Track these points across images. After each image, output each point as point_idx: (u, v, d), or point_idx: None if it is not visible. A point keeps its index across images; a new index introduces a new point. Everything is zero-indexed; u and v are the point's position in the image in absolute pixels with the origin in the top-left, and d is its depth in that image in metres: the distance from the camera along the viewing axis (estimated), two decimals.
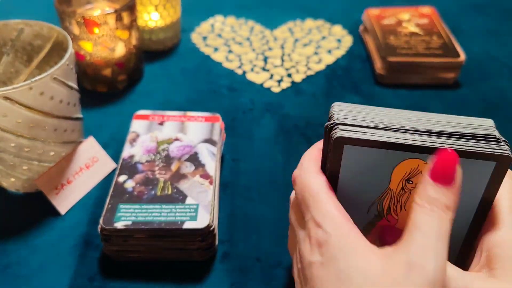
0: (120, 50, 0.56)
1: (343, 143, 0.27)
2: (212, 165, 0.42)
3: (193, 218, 0.37)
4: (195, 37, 0.71)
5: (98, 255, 0.40)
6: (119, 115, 0.55)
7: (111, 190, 0.39)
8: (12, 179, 0.43)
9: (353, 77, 0.63)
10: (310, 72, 0.64)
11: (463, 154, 0.26)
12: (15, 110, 0.36)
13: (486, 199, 0.27)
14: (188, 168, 0.42)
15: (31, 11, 0.77)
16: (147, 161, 0.42)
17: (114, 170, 0.48)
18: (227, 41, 0.71)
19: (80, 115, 0.45)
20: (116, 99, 0.58)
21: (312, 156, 0.30)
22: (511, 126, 0.54)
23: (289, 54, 0.67)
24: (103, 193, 0.45)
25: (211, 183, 0.41)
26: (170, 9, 0.64)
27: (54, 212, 0.43)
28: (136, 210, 0.38)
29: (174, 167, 0.42)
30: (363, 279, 0.23)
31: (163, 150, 0.44)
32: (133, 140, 0.45)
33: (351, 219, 0.26)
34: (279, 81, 0.62)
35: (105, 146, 0.49)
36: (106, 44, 0.54)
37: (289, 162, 0.49)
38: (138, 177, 0.41)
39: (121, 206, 0.38)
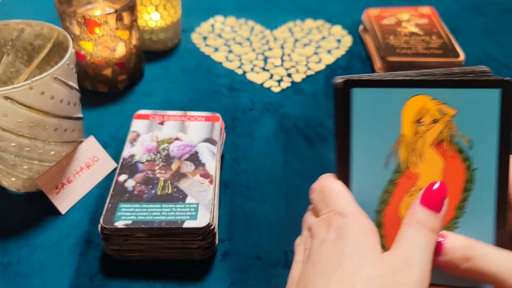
0: (120, 50, 0.56)
1: (351, 86, 0.27)
2: (212, 165, 0.42)
3: (193, 217, 0.37)
4: (196, 37, 0.72)
5: (98, 254, 0.40)
6: (120, 115, 0.56)
7: (112, 189, 0.40)
8: (13, 179, 0.43)
9: None
10: (310, 72, 0.64)
11: (465, 83, 0.26)
12: (15, 109, 0.37)
13: (504, 132, 0.27)
14: (188, 167, 0.42)
15: (31, 11, 0.77)
16: (147, 161, 0.43)
17: (114, 170, 0.48)
18: (227, 41, 0.71)
19: (80, 115, 0.45)
20: (117, 99, 0.58)
21: (329, 174, 0.32)
22: None
23: (289, 54, 0.68)
24: (104, 193, 0.45)
25: (211, 182, 0.41)
26: (170, 9, 0.64)
27: (55, 212, 0.43)
28: (136, 210, 0.38)
29: (174, 166, 0.42)
30: (358, 265, 0.26)
31: (164, 149, 0.44)
32: (134, 140, 0.45)
33: (368, 218, 0.28)
34: (279, 81, 0.62)
35: (105, 145, 0.49)
36: (107, 44, 0.54)
37: (289, 161, 0.49)
38: (139, 176, 0.41)
39: (122, 205, 0.38)
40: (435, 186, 0.28)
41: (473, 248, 0.27)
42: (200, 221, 0.37)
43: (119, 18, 0.53)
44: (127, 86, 0.60)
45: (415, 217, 0.27)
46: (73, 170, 0.45)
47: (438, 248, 0.27)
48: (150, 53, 0.67)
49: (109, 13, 0.52)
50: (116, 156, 0.49)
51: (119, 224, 0.36)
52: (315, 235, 0.29)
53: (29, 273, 0.38)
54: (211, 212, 0.38)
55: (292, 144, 0.52)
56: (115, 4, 0.59)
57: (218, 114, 0.48)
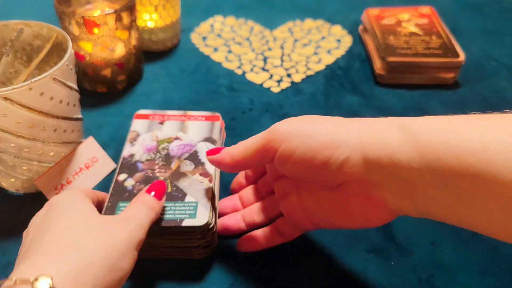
0: (119, 51, 0.56)
1: None
2: (211, 165, 0.42)
3: (192, 216, 0.37)
4: (195, 37, 0.72)
5: None
6: (119, 115, 0.55)
7: (111, 188, 0.39)
8: (12, 180, 0.43)
9: (352, 77, 0.63)
10: (309, 72, 0.64)
11: None
12: (14, 110, 0.36)
13: None
14: (188, 166, 0.42)
15: (30, 12, 0.77)
16: (147, 160, 0.43)
17: (114, 170, 0.48)
18: (226, 41, 0.71)
19: (80, 116, 0.45)
20: (116, 99, 0.58)
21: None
22: None
23: (288, 54, 0.68)
24: None
25: (210, 181, 0.41)
26: (169, 9, 0.64)
27: None
28: None
29: (174, 165, 0.42)
30: (67, 224, 0.30)
31: (163, 149, 0.44)
32: (133, 139, 0.45)
33: (84, 192, 0.35)
34: (279, 81, 0.62)
35: (105, 146, 0.49)
36: (106, 45, 0.54)
37: None
38: (138, 175, 0.41)
39: (121, 204, 0.38)
40: (158, 182, 0.36)
41: (237, 144, 0.37)
42: (199, 220, 0.37)
43: (118, 19, 0.53)
44: (126, 87, 0.60)
45: (140, 198, 0.35)
46: (72, 171, 0.45)
47: (217, 151, 0.37)
48: (149, 53, 0.67)
49: (108, 14, 0.52)
50: (115, 156, 0.49)
51: None
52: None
53: None
54: (210, 211, 0.38)
55: None
56: (114, 4, 0.59)
57: (218, 114, 0.48)
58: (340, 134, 0.30)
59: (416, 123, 0.28)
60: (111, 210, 0.37)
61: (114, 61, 0.56)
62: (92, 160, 0.46)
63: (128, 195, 0.39)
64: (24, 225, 0.42)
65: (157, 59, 0.66)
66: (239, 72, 0.64)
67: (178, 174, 0.41)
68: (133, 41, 0.57)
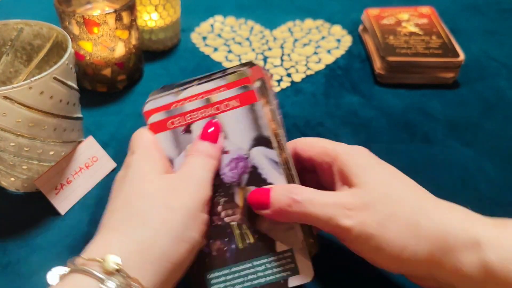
0: (120, 50, 0.56)
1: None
2: (282, 181, 0.32)
3: (295, 271, 0.30)
4: (195, 37, 0.72)
5: None
6: (119, 115, 0.55)
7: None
8: (12, 179, 0.43)
9: (352, 77, 0.63)
10: (309, 72, 0.64)
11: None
12: (14, 109, 0.36)
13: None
14: None
15: (30, 11, 0.77)
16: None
17: (114, 170, 0.48)
18: (226, 41, 0.71)
19: (80, 115, 0.45)
20: (116, 98, 0.58)
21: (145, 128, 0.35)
22: (510, 126, 0.54)
23: (288, 54, 0.68)
24: (103, 193, 0.45)
25: None
26: (169, 9, 0.64)
27: (54, 212, 0.43)
28: (228, 277, 0.30)
29: (238, 199, 0.32)
30: (137, 185, 0.29)
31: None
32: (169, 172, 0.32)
33: (160, 151, 0.32)
34: (279, 81, 0.62)
35: (105, 145, 0.49)
36: (106, 44, 0.54)
37: None
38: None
39: (208, 276, 0.31)
40: (210, 123, 0.32)
41: (298, 193, 0.29)
42: (304, 275, 0.30)
43: (119, 18, 0.53)
44: (126, 86, 0.60)
45: (194, 147, 0.31)
46: (72, 171, 0.44)
47: (265, 202, 0.30)
48: (149, 53, 0.67)
49: (108, 13, 0.52)
50: (115, 156, 0.49)
51: None
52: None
53: (29, 273, 0.38)
54: (309, 258, 0.30)
55: None
56: (114, 4, 0.59)
57: (246, 75, 0.31)
58: (423, 229, 0.28)
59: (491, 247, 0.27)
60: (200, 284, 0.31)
61: (114, 60, 0.56)
62: (92, 159, 0.46)
63: (208, 260, 0.31)
64: (24, 224, 0.42)
65: (157, 58, 0.66)
66: None
67: (251, 213, 0.31)
68: (133, 41, 0.57)
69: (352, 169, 0.31)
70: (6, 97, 0.36)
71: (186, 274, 0.29)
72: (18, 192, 0.45)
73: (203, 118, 0.32)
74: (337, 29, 0.74)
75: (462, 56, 0.59)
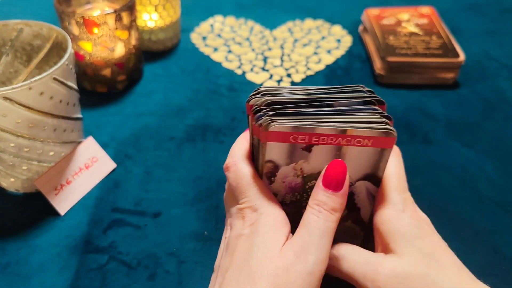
0: (119, 50, 0.56)
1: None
2: (367, 211, 0.33)
3: None
4: (195, 37, 0.72)
5: (98, 255, 0.40)
6: (119, 115, 0.55)
7: None
8: (12, 179, 0.43)
9: (352, 77, 0.63)
10: (309, 72, 0.64)
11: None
12: (14, 110, 0.36)
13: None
14: None
15: (30, 11, 0.77)
16: (292, 202, 0.33)
17: (113, 170, 0.48)
18: (226, 41, 0.71)
19: (79, 115, 0.45)
20: (116, 99, 0.58)
21: (242, 146, 0.34)
22: (510, 126, 0.54)
23: (288, 54, 0.68)
24: (103, 194, 0.45)
25: (362, 229, 0.34)
26: (169, 9, 0.64)
27: (54, 212, 0.43)
28: None
29: None
30: (262, 261, 0.28)
31: (311, 188, 0.32)
32: (271, 174, 0.32)
33: (279, 203, 0.32)
34: (279, 81, 0.62)
35: (104, 146, 0.49)
36: (106, 44, 0.54)
37: None
38: None
39: None
40: (334, 165, 0.30)
41: (339, 249, 0.30)
42: None
43: (118, 18, 0.53)
44: (126, 86, 0.60)
45: (316, 198, 0.30)
46: (72, 171, 0.44)
47: None
48: (149, 53, 0.67)
49: (108, 13, 0.52)
50: (115, 156, 0.49)
51: None
52: (233, 226, 0.32)
53: (28, 274, 0.38)
54: None
55: None
56: (114, 4, 0.59)
57: (392, 135, 0.30)
58: None
59: None
60: None
61: (114, 61, 0.56)
62: (92, 160, 0.46)
63: None
64: (24, 225, 0.42)
65: (157, 59, 0.66)
66: (239, 72, 0.64)
67: None
68: (133, 41, 0.57)
69: (392, 234, 0.30)
70: (6, 98, 0.36)
71: None
72: (18, 192, 0.45)
73: (330, 144, 0.31)
74: (337, 29, 0.74)
75: (462, 57, 0.59)
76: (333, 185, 0.29)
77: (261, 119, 0.30)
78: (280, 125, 0.30)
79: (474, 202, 0.44)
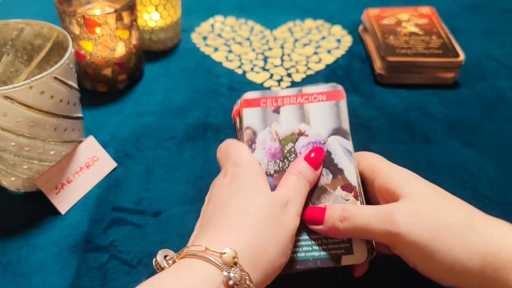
0: (120, 50, 0.56)
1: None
2: (351, 170, 0.34)
3: (349, 251, 0.32)
4: (195, 37, 0.72)
5: (98, 254, 0.40)
6: (119, 115, 0.55)
7: None
8: (12, 178, 0.43)
9: (352, 77, 0.63)
10: (310, 72, 0.64)
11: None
12: (15, 109, 0.37)
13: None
14: (325, 177, 0.34)
15: (31, 11, 0.77)
16: (276, 172, 0.35)
17: (114, 169, 0.48)
18: (227, 41, 0.71)
19: (80, 114, 0.45)
20: (117, 98, 0.58)
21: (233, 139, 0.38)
22: (510, 126, 0.54)
23: (289, 54, 0.68)
24: (104, 193, 0.45)
25: (356, 197, 0.33)
26: (170, 9, 0.64)
27: (55, 211, 0.43)
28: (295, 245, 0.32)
29: None
30: (251, 196, 0.31)
31: (290, 152, 0.35)
32: (251, 141, 0.36)
33: (258, 164, 0.35)
34: (279, 81, 0.62)
35: (105, 145, 0.49)
36: (107, 44, 0.54)
37: None
38: None
39: None
40: (316, 149, 0.35)
41: (347, 210, 0.32)
42: (358, 255, 0.32)
43: (119, 18, 0.53)
44: (127, 86, 0.60)
45: (297, 168, 0.34)
46: (72, 170, 0.45)
47: (320, 219, 0.32)
48: (150, 53, 0.67)
49: (109, 13, 0.52)
50: (116, 156, 0.49)
51: None
52: (215, 182, 0.35)
53: (29, 273, 0.38)
54: (365, 242, 0.32)
55: None
56: (115, 4, 0.59)
57: (340, 87, 0.38)
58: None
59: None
60: None
61: (114, 60, 0.56)
62: (92, 159, 0.46)
63: None
64: (24, 224, 0.42)
65: (157, 58, 0.66)
66: (240, 71, 0.64)
67: (317, 191, 0.34)
68: (134, 41, 0.57)
69: (396, 182, 0.32)
70: (6, 97, 0.36)
71: None
72: (18, 191, 0.45)
73: (292, 104, 0.37)
74: (337, 29, 0.74)
75: (462, 56, 0.59)
76: (313, 163, 0.34)
77: (238, 100, 0.38)
78: (251, 94, 0.38)
79: (474, 201, 0.44)
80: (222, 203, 0.32)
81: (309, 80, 0.62)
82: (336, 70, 0.64)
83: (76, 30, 0.52)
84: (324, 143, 0.36)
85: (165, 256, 0.30)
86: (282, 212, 0.31)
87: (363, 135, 0.53)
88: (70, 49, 0.40)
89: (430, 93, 0.60)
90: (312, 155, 0.34)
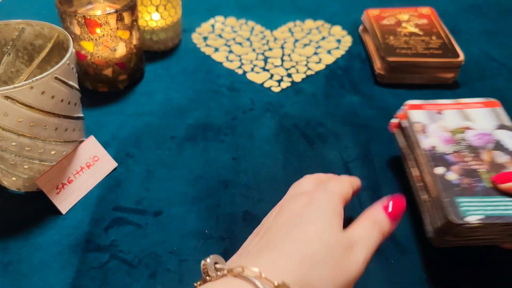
0: (121, 50, 0.56)
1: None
2: None
3: None
4: (196, 37, 0.72)
5: (99, 254, 0.40)
6: (120, 115, 0.56)
7: (436, 183, 0.38)
8: (13, 178, 0.43)
9: (352, 77, 0.63)
10: (310, 72, 0.64)
11: None
12: (16, 109, 0.37)
13: None
14: (502, 157, 0.40)
15: (32, 11, 0.77)
16: (454, 152, 0.40)
17: (114, 170, 0.48)
18: (227, 41, 0.71)
19: (81, 114, 0.45)
20: (117, 98, 0.59)
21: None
22: None
23: (289, 54, 0.68)
24: (104, 192, 0.46)
25: None
26: (170, 9, 0.64)
27: (55, 211, 0.43)
28: (479, 204, 0.36)
29: (486, 157, 0.40)
30: (319, 228, 0.30)
31: (461, 139, 0.42)
32: (423, 131, 0.43)
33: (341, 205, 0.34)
34: (279, 81, 0.62)
35: (106, 145, 0.49)
36: (107, 44, 0.54)
37: (289, 161, 0.49)
38: (456, 168, 0.39)
39: (459, 200, 0.36)
40: (398, 200, 0.34)
41: None
42: None
43: (120, 18, 0.53)
44: (127, 86, 0.60)
45: (374, 215, 0.33)
46: (73, 170, 0.45)
47: None
48: (150, 53, 0.67)
49: (109, 13, 0.52)
50: (116, 156, 0.49)
51: (472, 219, 0.35)
52: (290, 195, 0.35)
53: (30, 272, 0.38)
54: None
55: (292, 144, 0.52)
56: (115, 4, 0.59)
57: (493, 99, 0.46)
58: None
59: None
60: (453, 207, 0.36)
61: (115, 60, 0.57)
62: (93, 159, 0.46)
63: (459, 189, 0.37)
64: (25, 223, 0.42)
65: (158, 59, 0.66)
66: (240, 72, 0.64)
67: (496, 166, 0.39)
68: (134, 41, 0.57)
69: None
70: (7, 97, 0.36)
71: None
72: (19, 191, 0.45)
73: (453, 108, 0.45)
74: (337, 30, 0.74)
75: (462, 57, 0.59)
76: (392, 215, 0.34)
77: (399, 110, 0.46)
78: (413, 101, 0.46)
79: None
80: (291, 223, 0.31)
81: (309, 80, 0.62)
82: (336, 70, 0.65)
83: (77, 30, 0.52)
84: (491, 134, 0.42)
85: (215, 263, 0.29)
86: (346, 256, 0.30)
87: (363, 135, 0.53)
88: (71, 49, 0.40)
89: (430, 93, 0.60)
90: (391, 207, 0.34)
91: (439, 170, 0.39)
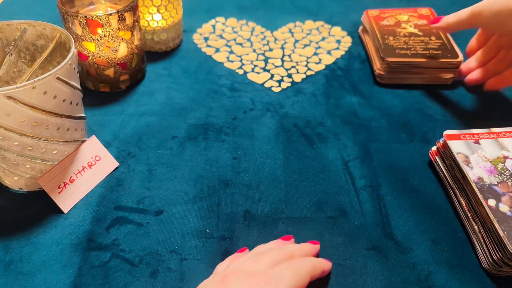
0: (122, 50, 0.56)
1: None
2: None
3: None
4: (197, 38, 0.72)
5: (100, 253, 0.40)
6: (122, 115, 0.56)
7: (494, 216, 0.39)
8: (15, 178, 0.43)
9: (352, 77, 0.64)
10: (310, 72, 0.64)
11: None
12: (18, 109, 0.37)
13: None
14: None
15: (34, 12, 0.77)
16: (498, 183, 0.42)
17: (116, 169, 0.48)
18: (228, 41, 0.71)
19: (83, 114, 0.45)
20: (119, 98, 0.59)
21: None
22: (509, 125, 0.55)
23: (289, 54, 0.68)
24: (106, 192, 0.46)
25: None
26: (172, 10, 0.64)
27: (57, 211, 0.44)
28: None
29: None
30: None
31: (503, 169, 0.43)
32: (467, 162, 0.44)
33: None
34: (280, 81, 0.62)
35: (107, 145, 0.50)
36: (109, 45, 0.55)
37: (289, 160, 0.50)
38: (505, 199, 0.40)
39: None
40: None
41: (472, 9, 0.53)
42: None
43: (121, 19, 0.53)
44: (129, 86, 0.61)
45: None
46: (75, 170, 0.45)
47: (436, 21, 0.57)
48: (151, 54, 0.67)
49: (111, 14, 0.52)
50: (118, 155, 0.49)
51: None
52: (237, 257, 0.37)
53: (32, 271, 0.39)
54: None
55: (292, 144, 0.52)
56: (117, 4, 0.60)
57: None
58: None
59: None
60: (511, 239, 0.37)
61: (116, 61, 0.57)
62: (94, 158, 0.47)
63: None
64: (27, 223, 0.43)
65: (159, 59, 0.67)
66: (240, 72, 0.64)
67: None
68: (136, 41, 0.58)
69: None
70: (9, 97, 0.36)
71: None
72: (21, 191, 0.46)
73: (488, 138, 0.46)
74: (337, 30, 0.74)
75: (461, 57, 0.60)
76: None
77: (438, 140, 0.49)
78: (450, 131, 0.48)
79: None
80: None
81: (309, 80, 0.63)
82: (336, 71, 0.65)
83: (79, 30, 0.53)
84: None
85: None
86: None
87: (363, 135, 0.53)
88: (73, 50, 0.41)
89: (430, 93, 0.60)
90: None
91: (491, 202, 0.40)
